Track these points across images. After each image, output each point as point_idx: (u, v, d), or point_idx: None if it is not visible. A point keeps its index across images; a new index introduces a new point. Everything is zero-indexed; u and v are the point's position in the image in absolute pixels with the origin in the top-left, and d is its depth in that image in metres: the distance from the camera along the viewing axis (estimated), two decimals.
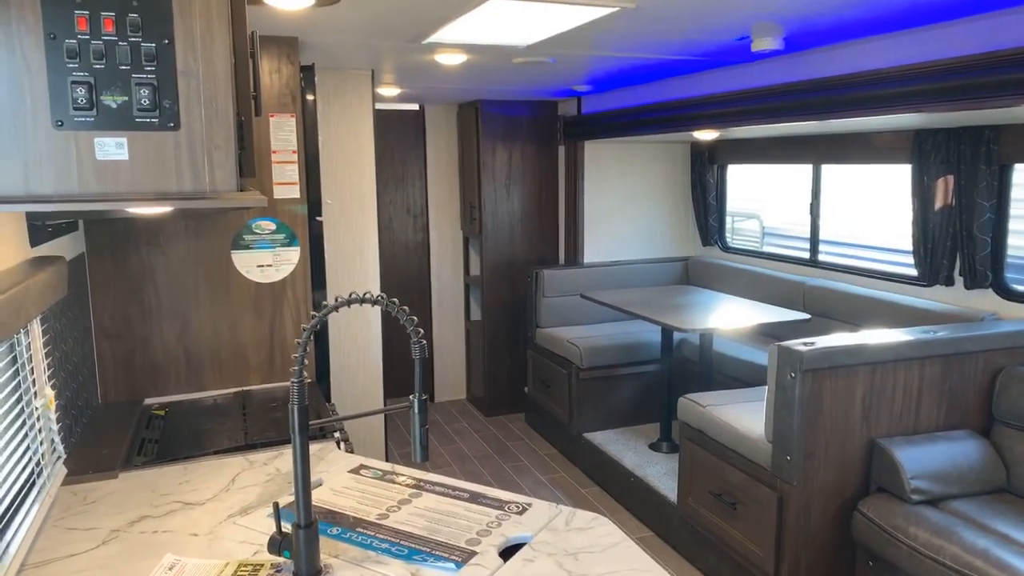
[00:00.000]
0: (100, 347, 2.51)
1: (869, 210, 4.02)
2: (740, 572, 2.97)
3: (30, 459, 1.65)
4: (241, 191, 1.18)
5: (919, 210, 3.37)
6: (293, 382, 1.33)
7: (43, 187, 1.05)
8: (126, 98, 1.06)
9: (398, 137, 5.41)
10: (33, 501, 1.61)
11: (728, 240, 5.01)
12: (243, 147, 1.20)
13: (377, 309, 3.54)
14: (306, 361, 1.35)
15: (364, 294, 1.35)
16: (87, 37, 1.04)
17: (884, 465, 2.64)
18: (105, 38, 1.04)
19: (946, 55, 2.49)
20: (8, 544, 1.43)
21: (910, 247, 3.47)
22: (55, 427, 1.81)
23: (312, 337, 1.35)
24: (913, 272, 3.51)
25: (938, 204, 3.29)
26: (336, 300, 1.35)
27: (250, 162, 1.34)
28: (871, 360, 2.66)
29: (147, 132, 1.08)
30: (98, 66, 1.04)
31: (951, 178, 3.22)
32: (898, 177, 3.68)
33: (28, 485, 1.62)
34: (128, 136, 1.07)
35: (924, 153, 3.31)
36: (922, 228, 3.37)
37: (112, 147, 1.06)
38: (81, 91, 1.04)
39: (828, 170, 4.17)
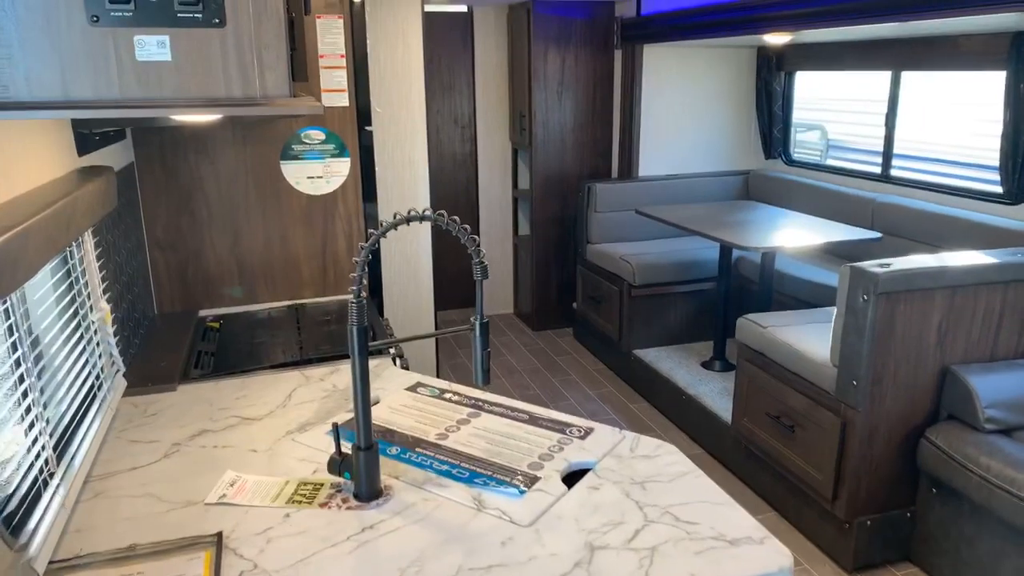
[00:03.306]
0: (154, 258, 2.49)
1: (947, 122, 3.72)
2: (795, 493, 2.93)
3: (90, 372, 1.64)
4: (293, 97, 1.08)
5: (1011, 121, 3.10)
6: (352, 303, 1.26)
7: (83, 91, 0.97)
8: None
9: (445, 42, 5.18)
10: (95, 414, 1.61)
11: (792, 153, 4.75)
12: (294, 48, 1.10)
13: (427, 224, 3.46)
14: (364, 281, 1.28)
15: (424, 211, 1.27)
16: None
17: (957, 392, 2.52)
18: None
19: None
20: (73, 456, 1.43)
21: (995, 162, 3.22)
22: (113, 341, 1.80)
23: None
24: (998, 189, 3.27)
25: None
26: (395, 217, 1.27)
27: (301, 65, 1.24)
28: (951, 283, 2.50)
29: (190, 29, 0.98)
30: None
31: None
32: (984, 85, 3.38)
33: (90, 398, 1.62)
34: (171, 33, 0.97)
35: (1022, 58, 3.01)
36: (1013, 141, 3.11)
37: (154, 46, 0.97)
38: None
39: (904, 78, 3.85)
